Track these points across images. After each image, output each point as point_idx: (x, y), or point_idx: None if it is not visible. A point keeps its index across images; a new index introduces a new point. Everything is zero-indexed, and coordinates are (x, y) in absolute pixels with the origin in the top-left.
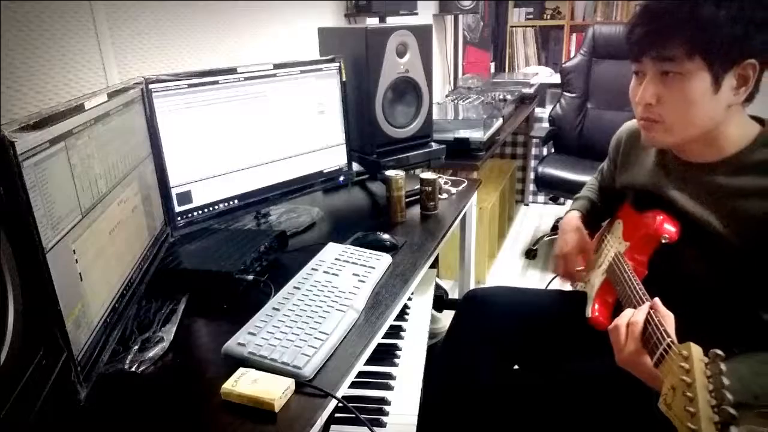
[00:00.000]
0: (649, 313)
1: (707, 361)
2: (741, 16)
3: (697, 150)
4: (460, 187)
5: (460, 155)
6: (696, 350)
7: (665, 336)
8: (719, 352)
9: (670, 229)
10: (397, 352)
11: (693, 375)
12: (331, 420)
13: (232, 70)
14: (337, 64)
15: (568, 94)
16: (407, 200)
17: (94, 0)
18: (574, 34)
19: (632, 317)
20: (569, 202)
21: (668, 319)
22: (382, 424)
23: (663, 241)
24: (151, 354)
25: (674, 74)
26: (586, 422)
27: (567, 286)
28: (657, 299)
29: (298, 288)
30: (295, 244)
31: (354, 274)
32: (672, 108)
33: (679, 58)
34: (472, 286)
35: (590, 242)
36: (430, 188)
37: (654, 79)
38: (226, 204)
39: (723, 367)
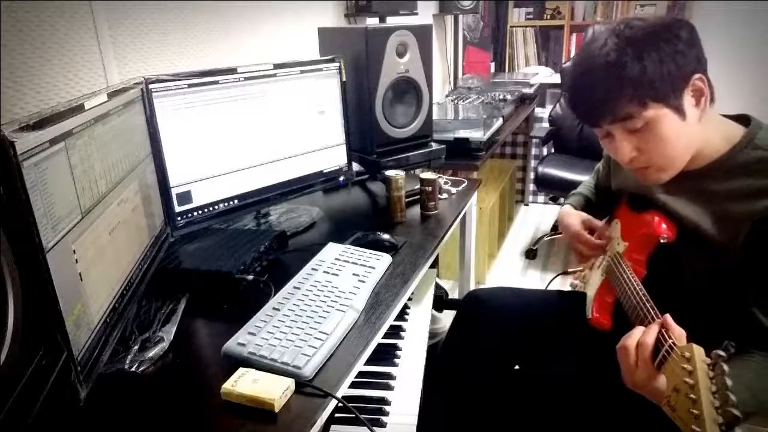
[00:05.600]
0: (660, 331)
1: (709, 362)
2: (665, 55)
3: None
4: (460, 187)
5: (460, 155)
6: (698, 351)
7: (666, 337)
8: (721, 352)
9: (668, 229)
10: (397, 352)
11: (696, 376)
12: (331, 420)
13: (232, 70)
14: (337, 64)
15: None
16: (407, 200)
17: (94, 0)
18: (574, 34)
19: (642, 337)
20: None
21: (682, 340)
22: (382, 424)
23: (662, 241)
24: (151, 354)
25: (640, 127)
26: (587, 422)
27: (567, 287)
28: (668, 315)
29: (298, 288)
30: (295, 244)
31: (354, 274)
32: (655, 153)
33: (636, 114)
34: (472, 286)
35: (592, 218)
36: (430, 188)
37: (623, 136)
38: (226, 204)
39: (726, 368)
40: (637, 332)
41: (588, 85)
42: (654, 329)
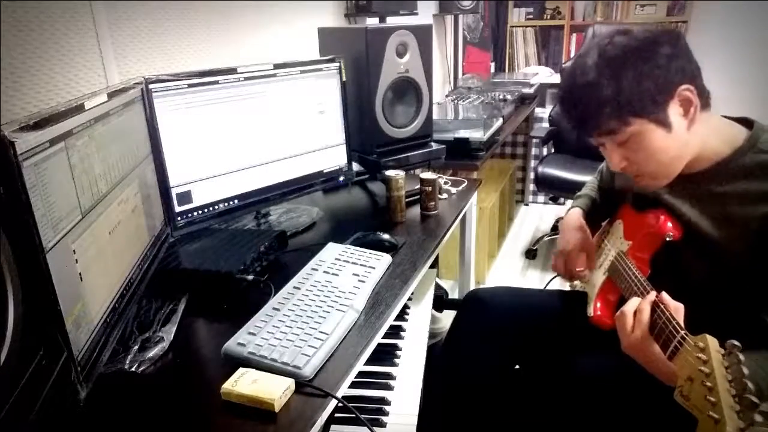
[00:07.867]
0: (657, 304)
1: (723, 352)
2: (641, 73)
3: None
4: (460, 187)
5: (460, 155)
6: (712, 341)
7: (678, 329)
8: (736, 342)
9: (674, 227)
10: (397, 352)
11: (711, 365)
12: (331, 420)
13: (232, 70)
14: (337, 64)
15: None
16: (407, 200)
17: (94, 0)
18: (574, 34)
19: (640, 305)
20: (569, 202)
21: (679, 312)
22: (382, 424)
23: (667, 239)
24: (151, 354)
25: (626, 139)
26: (587, 422)
27: (567, 286)
28: (664, 293)
29: (298, 288)
30: (295, 244)
31: (354, 274)
32: (643, 163)
33: (619, 129)
34: (472, 286)
35: (592, 242)
36: (430, 188)
37: (612, 147)
38: (226, 204)
39: (741, 357)
40: (635, 301)
41: (571, 101)
42: (651, 297)
